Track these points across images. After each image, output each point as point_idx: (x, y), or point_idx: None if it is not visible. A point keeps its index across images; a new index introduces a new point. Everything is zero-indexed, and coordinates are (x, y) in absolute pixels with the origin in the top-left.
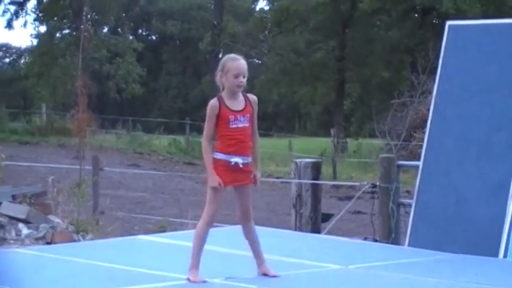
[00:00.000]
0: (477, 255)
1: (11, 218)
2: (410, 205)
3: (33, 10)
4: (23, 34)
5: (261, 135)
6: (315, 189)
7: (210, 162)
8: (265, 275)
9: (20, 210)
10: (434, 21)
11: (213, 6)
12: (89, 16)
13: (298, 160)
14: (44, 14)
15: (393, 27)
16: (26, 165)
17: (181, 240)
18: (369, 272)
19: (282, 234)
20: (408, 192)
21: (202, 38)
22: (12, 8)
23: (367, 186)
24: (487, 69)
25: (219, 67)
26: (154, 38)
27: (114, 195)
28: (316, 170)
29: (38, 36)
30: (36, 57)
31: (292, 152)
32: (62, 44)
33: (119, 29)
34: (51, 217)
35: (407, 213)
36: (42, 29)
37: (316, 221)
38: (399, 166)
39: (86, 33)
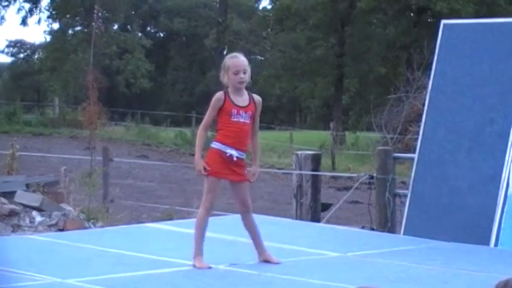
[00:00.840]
0: (469, 244)
1: (25, 206)
2: (405, 195)
3: (47, 8)
4: (37, 31)
5: (263, 128)
6: (315, 180)
7: (199, 149)
8: (267, 261)
9: (34, 199)
10: (428, 20)
11: (218, 5)
12: (99, 14)
13: (298, 152)
14: (56, 11)
15: (389, 26)
16: (40, 155)
17: (187, 228)
18: (366, 259)
19: (283, 222)
20: (404, 183)
21: (208, 35)
22: (27, 6)
23: (364, 177)
24: (479, 65)
25: (221, 67)
26: (162, 35)
27: (123, 184)
28: (316, 161)
29: (51, 32)
30: (49, 53)
31: (293, 144)
32: (73, 40)
33: (128, 26)
34: (63, 205)
35: (403, 203)
36: (55, 26)
37: (315, 210)
38: (395, 158)
39: (97, 30)
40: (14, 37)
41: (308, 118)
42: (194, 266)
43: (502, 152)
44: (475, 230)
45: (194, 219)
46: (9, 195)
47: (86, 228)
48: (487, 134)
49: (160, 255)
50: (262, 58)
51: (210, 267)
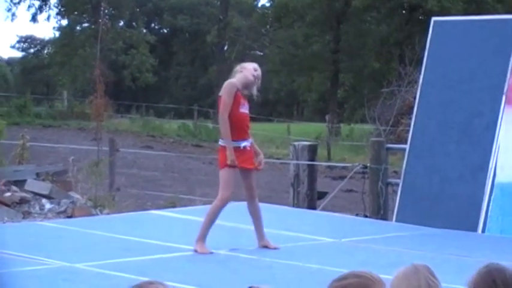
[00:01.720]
0: (458, 230)
1: (35, 194)
2: (397, 184)
3: (56, 5)
4: (46, 27)
5: (262, 120)
6: (311, 170)
7: (228, 135)
8: (265, 247)
9: (43, 187)
10: (420, 17)
11: (219, 3)
12: (106, 11)
13: (296, 143)
14: (65, 8)
15: (383, 23)
16: (49, 146)
17: (190, 215)
18: (360, 245)
19: (281, 210)
20: (396, 172)
21: (209, 31)
22: (37, 3)
23: (358, 167)
24: (468, 60)
25: (235, 69)
26: (165, 31)
27: (129, 174)
28: (312, 152)
29: (60, 29)
30: (58, 48)
31: (290, 135)
32: (81, 36)
33: (134, 23)
34: (72, 193)
35: (395, 191)
36: (64, 22)
37: (312, 199)
38: (388, 149)
39: (103, 27)
40: (24, 33)
41: (305, 111)
42: (195, 250)
43: (490, 143)
44: (464, 217)
45: (196, 207)
46: (20, 183)
47: (93, 215)
48: (475, 126)
49: (164, 241)
50: (262, 54)
51: (211, 253)
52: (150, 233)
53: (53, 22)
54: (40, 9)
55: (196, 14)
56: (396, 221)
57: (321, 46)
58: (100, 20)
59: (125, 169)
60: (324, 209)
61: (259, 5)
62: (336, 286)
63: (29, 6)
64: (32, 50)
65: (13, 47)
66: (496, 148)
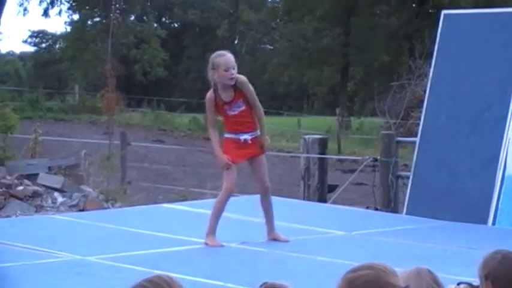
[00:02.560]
0: (468, 223)
1: (47, 187)
2: (407, 177)
3: (67, 0)
4: (58, 22)
5: (272, 114)
6: (322, 163)
7: (216, 145)
8: (275, 240)
9: (56, 181)
10: (430, 10)
11: None
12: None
13: (306, 136)
14: (76, 3)
15: (392, 16)
16: (61, 140)
17: (201, 208)
18: (370, 238)
19: (292, 203)
20: (406, 165)
21: (220, 25)
22: None
23: (368, 160)
24: (478, 53)
25: (209, 65)
26: (176, 25)
27: (140, 167)
28: (322, 145)
29: (72, 23)
30: (69, 43)
31: (300, 129)
32: (93, 31)
33: (145, 17)
34: (84, 187)
35: (405, 184)
36: (75, 17)
37: (322, 192)
38: (398, 142)
39: (114, 21)
40: (36, 28)
41: (315, 104)
42: (206, 244)
43: (500, 136)
44: (474, 210)
45: (207, 200)
46: (33, 177)
47: (105, 208)
48: (485, 119)
49: (175, 234)
50: (272, 47)
51: (222, 245)
52: (161, 226)
53: (65, 17)
54: (52, 3)
55: (206, 8)
56: (406, 213)
57: (331, 40)
58: (111, 15)
59: (136, 163)
60: (334, 202)
61: None
62: (349, 277)
63: (41, 1)
64: (43, 45)
65: (25, 41)
66: (506, 141)
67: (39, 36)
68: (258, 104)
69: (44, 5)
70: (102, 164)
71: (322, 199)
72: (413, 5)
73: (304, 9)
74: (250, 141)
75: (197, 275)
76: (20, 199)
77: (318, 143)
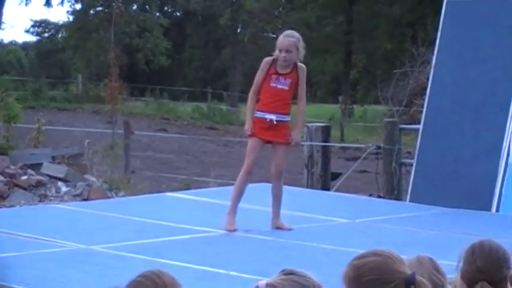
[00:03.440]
0: (472, 210)
1: (51, 177)
2: (411, 165)
3: None
4: (60, 11)
5: None
6: (325, 151)
7: (249, 112)
8: (279, 228)
9: (59, 170)
10: None
11: None
12: None
13: (309, 124)
14: None
15: (395, 4)
16: (64, 129)
17: (204, 197)
18: (374, 225)
19: (295, 191)
20: (409, 153)
21: (222, 14)
22: None
23: (372, 148)
24: (481, 40)
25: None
26: (179, 14)
27: (144, 156)
28: (325, 133)
29: (74, 13)
30: (72, 32)
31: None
32: (95, 20)
33: (147, 6)
34: (87, 176)
35: (409, 172)
36: (78, 6)
37: (326, 179)
38: (401, 129)
39: (117, 10)
40: (38, 17)
41: (318, 92)
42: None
43: (503, 123)
44: (477, 197)
45: (211, 189)
46: (36, 166)
47: (108, 197)
48: (489, 106)
49: (179, 223)
50: (274, 36)
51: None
52: (165, 215)
53: (67, 6)
54: None
55: None
56: (410, 201)
57: (334, 28)
58: (114, 4)
59: (139, 152)
60: (337, 190)
61: None
62: (355, 264)
63: None
64: (46, 34)
65: (27, 31)
66: (510, 128)
67: (41, 25)
68: (304, 96)
69: None
70: (105, 153)
71: (326, 187)
72: None
73: None
74: (275, 122)
75: (201, 263)
76: (24, 189)
77: (321, 131)
